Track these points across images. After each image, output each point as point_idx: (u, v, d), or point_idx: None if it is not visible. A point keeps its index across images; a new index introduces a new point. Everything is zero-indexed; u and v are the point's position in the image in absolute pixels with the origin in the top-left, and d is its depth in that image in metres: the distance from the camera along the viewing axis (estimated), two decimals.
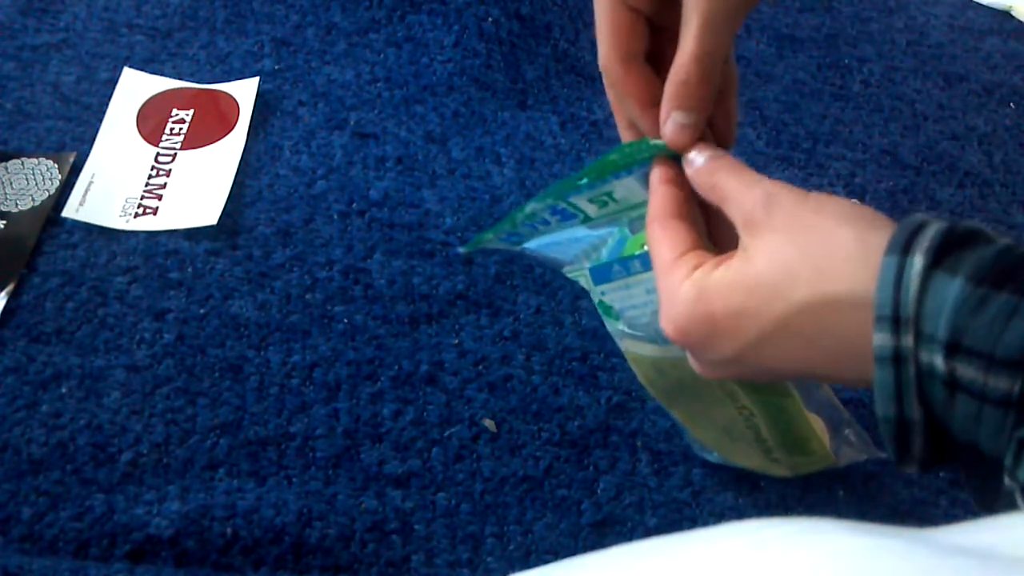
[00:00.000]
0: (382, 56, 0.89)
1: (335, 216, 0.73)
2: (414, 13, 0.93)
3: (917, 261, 0.33)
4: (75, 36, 0.86)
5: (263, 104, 0.82)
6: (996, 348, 0.31)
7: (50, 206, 0.70)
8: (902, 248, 0.34)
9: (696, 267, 0.40)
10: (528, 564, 0.55)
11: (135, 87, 0.82)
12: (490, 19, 0.91)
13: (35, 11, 0.88)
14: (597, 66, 0.47)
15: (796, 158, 0.85)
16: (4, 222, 0.69)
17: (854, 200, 0.81)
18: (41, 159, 0.74)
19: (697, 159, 0.44)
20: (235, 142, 0.78)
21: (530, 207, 0.50)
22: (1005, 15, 1.11)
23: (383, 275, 0.69)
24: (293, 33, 0.90)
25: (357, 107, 0.83)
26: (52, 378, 0.60)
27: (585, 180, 0.47)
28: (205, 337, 0.64)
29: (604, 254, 0.51)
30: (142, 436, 0.58)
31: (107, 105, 0.80)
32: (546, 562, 0.54)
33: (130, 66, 0.83)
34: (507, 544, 0.56)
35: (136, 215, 0.71)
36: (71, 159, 0.74)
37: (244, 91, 0.82)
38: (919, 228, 0.34)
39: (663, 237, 0.43)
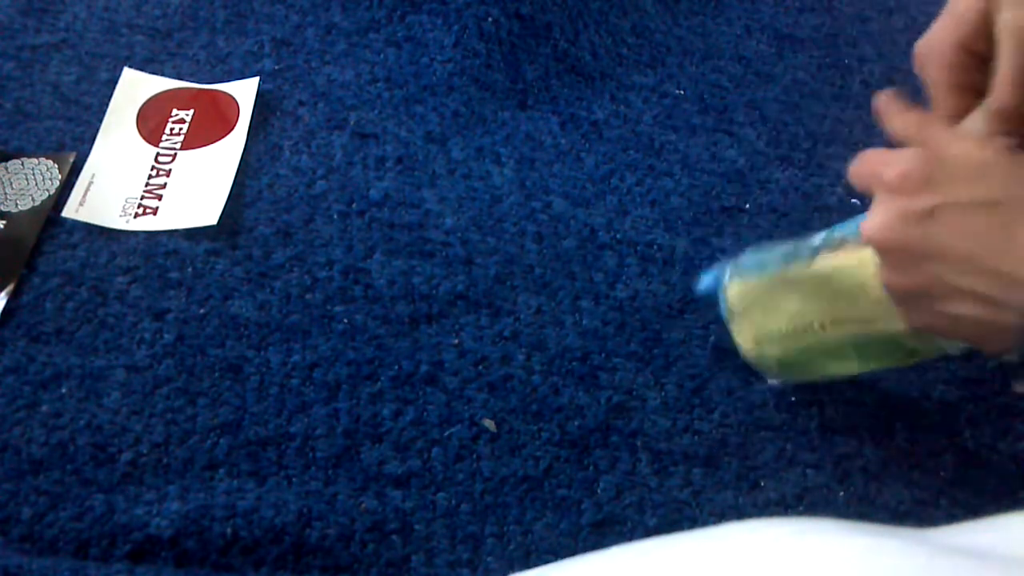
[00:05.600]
0: (382, 56, 0.89)
1: (335, 216, 0.73)
2: (414, 13, 0.93)
3: None
4: (75, 36, 0.86)
5: (263, 104, 0.82)
6: None
7: (50, 206, 0.71)
8: None
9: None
10: (528, 564, 0.55)
11: (135, 87, 0.82)
12: (490, 19, 0.91)
13: (35, 11, 0.88)
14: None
15: (796, 158, 0.85)
16: (4, 222, 0.69)
17: (854, 200, 0.81)
18: (41, 159, 0.74)
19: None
20: (235, 142, 0.78)
21: None
22: None
23: (383, 275, 0.69)
24: (293, 33, 0.90)
25: (357, 107, 0.83)
26: (52, 378, 0.60)
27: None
28: (205, 337, 0.64)
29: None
30: (142, 436, 0.58)
31: (107, 105, 0.80)
32: (546, 562, 0.54)
33: (130, 66, 0.83)
34: (507, 544, 0.56)
35: (136, 215, 0.71)
36: (71, 159, 0.74)
37: (244, 91, 0.82)
38: None
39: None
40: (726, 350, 0.66)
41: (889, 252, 0.47)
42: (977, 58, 0.48)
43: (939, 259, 0.44)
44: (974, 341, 0.47)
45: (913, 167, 0.44)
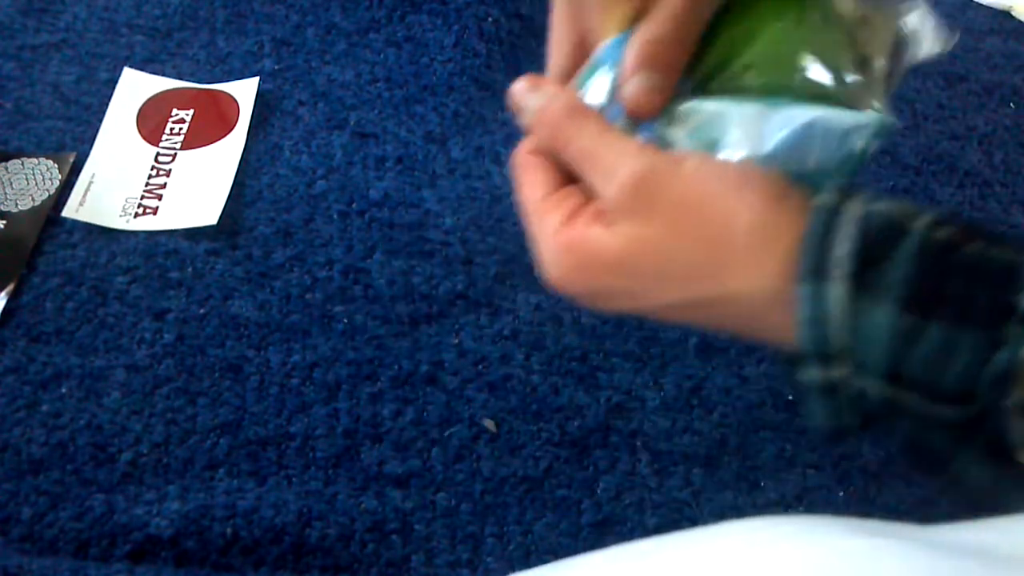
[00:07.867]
0: (382, 56, 0.89)
1: (335, 216, 0.73)
2: (414, 13, 0.93)
3: (836, 291, 0.30)
4: (75, 36, 0.86)
5: (263, 104, 0.82)
6: (939, 383, 0.30)
7: (50, 206, 0.70)
8: (814, 272, 0.31)
9: (571, 215, 0.37)
10: (528, 564, 0.55)
11: (135, 87, 0.82)
12: (490, 19, 0.91)
13: (35, 11, 0.88)
14: None
15: None
16: (4, 222, 0.69)
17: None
18: (41, 159, 0.74)
19: (554, 103, 0.40)
20: (235, 142, 0.78)
21: None
22: (1005, 15, 1.11)
23: (383, 275, 0.69)
24: (293, 33, 0.90)
25: (357, 107, 0.83)
26: (52, 378, 0.60)
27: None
28: (205, 337, 0.64)
29: None
30: (142, 436, 0.58)
31: (107, 105, 0.80)
32: (546, 562, 0.54)
33: (130, 66, 0.83)
34: (507, 544, 0.56)
35: (136, 215, 0.71)
36: (71, 159, 0.74)
37: (244, 91, 0.82)
38: (828, 233, 0.31)
39: (526, 173, 0.40)
40: (717, 349, 0.66)
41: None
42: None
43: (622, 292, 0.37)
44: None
45: (557, 275, 0.37)
